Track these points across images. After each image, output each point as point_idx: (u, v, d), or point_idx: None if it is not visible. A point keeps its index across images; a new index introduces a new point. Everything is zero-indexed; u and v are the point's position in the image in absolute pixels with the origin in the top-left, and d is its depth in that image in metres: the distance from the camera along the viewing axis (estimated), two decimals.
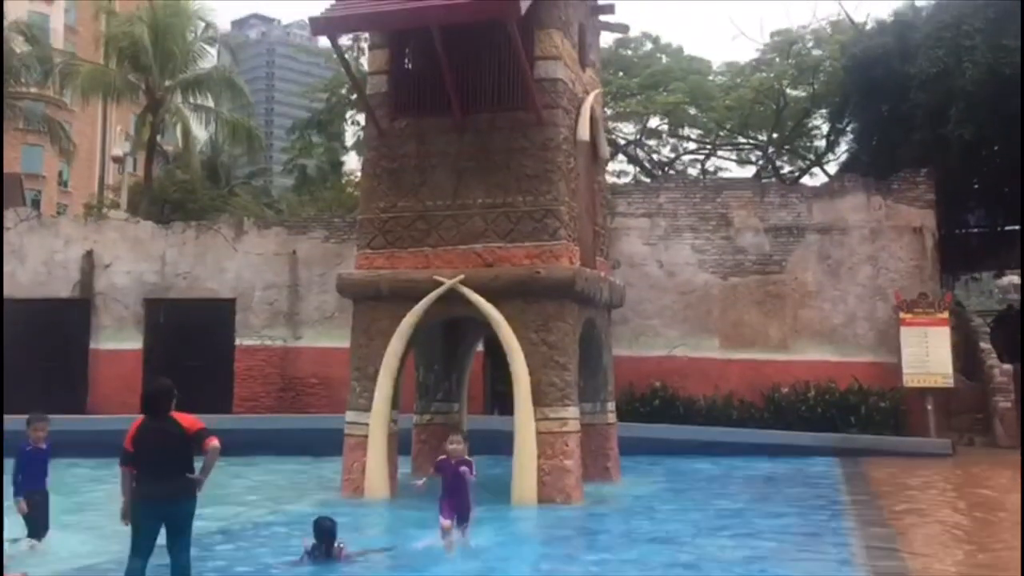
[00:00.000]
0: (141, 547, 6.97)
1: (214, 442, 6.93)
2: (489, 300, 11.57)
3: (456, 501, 8.57)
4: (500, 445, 12.35)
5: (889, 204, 18.53)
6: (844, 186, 19.13)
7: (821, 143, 28.59)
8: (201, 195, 32.60)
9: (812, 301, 18.55)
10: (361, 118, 25.31)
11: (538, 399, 11.35)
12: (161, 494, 6.93)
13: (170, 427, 6.99)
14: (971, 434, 17.33)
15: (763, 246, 18.86)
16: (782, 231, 18.83)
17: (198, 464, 7.03)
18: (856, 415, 17.18)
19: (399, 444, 12.07)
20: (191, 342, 18.68)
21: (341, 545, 8.07)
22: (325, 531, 8.05)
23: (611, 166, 28.79)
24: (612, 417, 13.67)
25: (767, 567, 7.64)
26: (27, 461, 8.89)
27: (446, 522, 8.23)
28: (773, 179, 26.78)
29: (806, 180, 27.86)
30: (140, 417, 7.19)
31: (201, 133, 36.90)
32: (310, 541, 8.03)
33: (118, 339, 19.46)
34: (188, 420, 7.07)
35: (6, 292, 19.53)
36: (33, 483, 8.85)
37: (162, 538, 7.01)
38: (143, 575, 6.92)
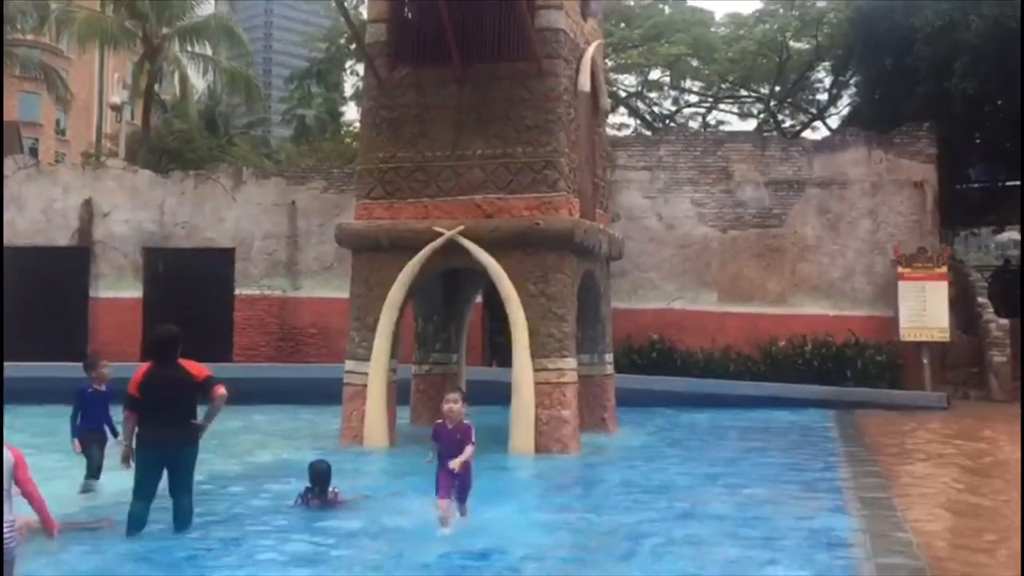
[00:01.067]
0: (144, 491, 7.08)
1: (221, 390, 7.01)
2: (488, 251, 11.58)
3: (455, 474, 7.27)
4: (498, 396, 12.46)
5: (890, 158, 18.47)
6: (846, 140, 19.05)
7: (824, 96, 28.46)
8: (199, 144, 32.40)
9: (811, 255, 18.57)
10: (360, 68, 25.12)
11: (536, 350, 11.41)
12: (165, 440, 7.02)
13: (178, 374, 7.06)
14: (966, 388, 17.46)
15: (763, 200, 18.83)
16: (782, 185, 18.79)
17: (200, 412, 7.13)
18: (852, 369, 17.30)
19: (398, 394, 12.16)
20: (190, 291, 18.72)
21: (336, 490, 8.15)
22: (319, 474, 8.13)
23: (612, 119, 28.64)
24: (610, 369, 13.76)
25: (761, 514, 7.75)
26: (88, 402, 8.93)
27: (443, 502, 7.11)
28: (775, 133, 26.63)
29: (808, 134, 27.75)
30: (146, 364, 7.25)
31: (199, 82, 36.59)
32: (305, 485, 8.11)
33: (117, 287, 19.51)
34: (196, 368, 7.14)
35: (7, 239, 19.51)
36: (92, 423, 8.90)
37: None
38: (145, 517, 7.05)
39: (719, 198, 18.97)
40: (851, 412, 15.00)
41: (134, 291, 19.45)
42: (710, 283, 18.83)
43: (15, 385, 15.16)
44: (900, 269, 17.47)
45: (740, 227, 18.84)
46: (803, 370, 17.49)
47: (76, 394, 9.00)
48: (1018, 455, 9.94)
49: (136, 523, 6.99)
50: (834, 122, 27.83)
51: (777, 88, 28.44)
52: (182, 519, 7.16)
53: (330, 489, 8.13)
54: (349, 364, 12.18)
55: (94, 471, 8.80)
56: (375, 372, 11.75)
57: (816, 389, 16.49)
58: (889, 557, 6.35)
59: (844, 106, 27.30)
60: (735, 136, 20.60)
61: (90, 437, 8.86)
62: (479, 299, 15.98)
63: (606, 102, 14.80)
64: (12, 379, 15.62)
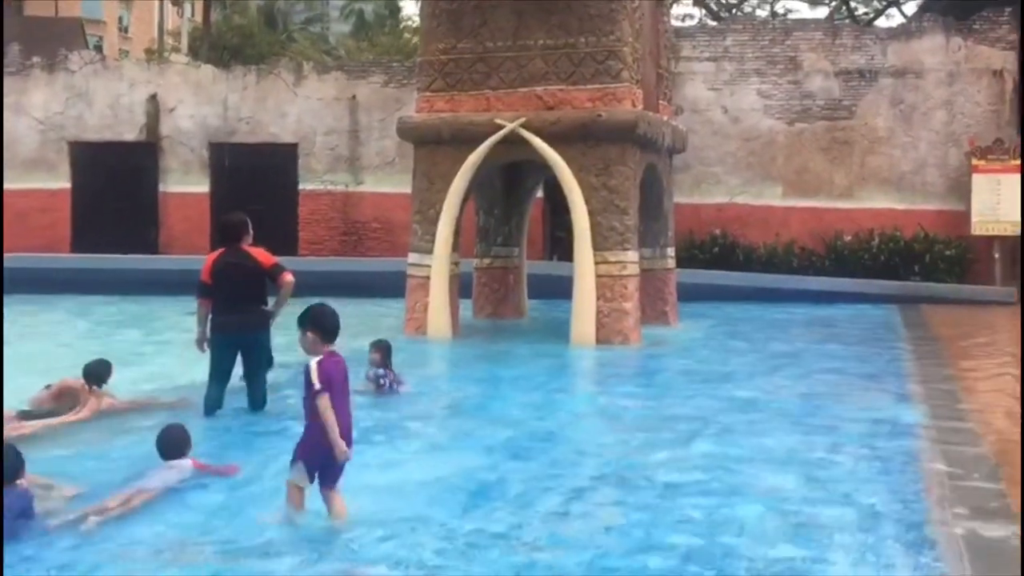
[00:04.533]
0: (218, 375, 7.36)
1: (288, 277, 7.18)
2: (550, 144, 11.49)
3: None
4: (559, 289, 12.57)
5: (968, 45, 17.72)
6: (922, 26, 18.29)
7: None
8: (259, 40, 32.36)
9: (881, 148, 18.07)
10: None
11: (598, 243, 11.40)
12: (237, 325, 7.24)
13: (245, 261, 7.23)
14: None
15: (832, 91, 18.26)
16: (853, 75, 18.18)
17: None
18: (920, 263, 16.99)
19: (460, 287, 12.30)
20: (256, 186, 18.91)
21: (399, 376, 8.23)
22: (385, 348, 8.19)
23: (676, 9, 27.82)
24: (671, 262, 13.71)
25: (824, 404, 7.79)
26: None
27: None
28: (847, 20, 25.65)
29: (881, 23, 26.66)
30: (215, 251, 7.44)
31: None
32: (372, 370, 8.15)
33: (185, 182, 19.82)
34: (263, 255, 7.30)
35: (76, 134, 19.91)
36: None
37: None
38: (220, 400, 7.34)
39: (786, 89, 18.45)
40: (917, 307, 14.81)
41: (201, 186, 19.74)
42: (775, 177, 18.48)
43: (91, 276, 15.78)
44: (974, 161, 16.93)
45: (807, 119, 18.34)
46: (869, 265, 17.23)
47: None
48: None
49: (212, 405, 7.29)
50: (910, 9, 26.67)
51: None
52: (257, 401, 7.43)
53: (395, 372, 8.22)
54: (412, 257, 12.32)
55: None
56: (437, 264, 11.87)
57: (882, 284, 16.26)
58: (953, 446, 6.36)
59: None
60: (805, 24, 19.88)
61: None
62: (540, 193, 15.94)
63: None
64: (88, 270, 16.24)
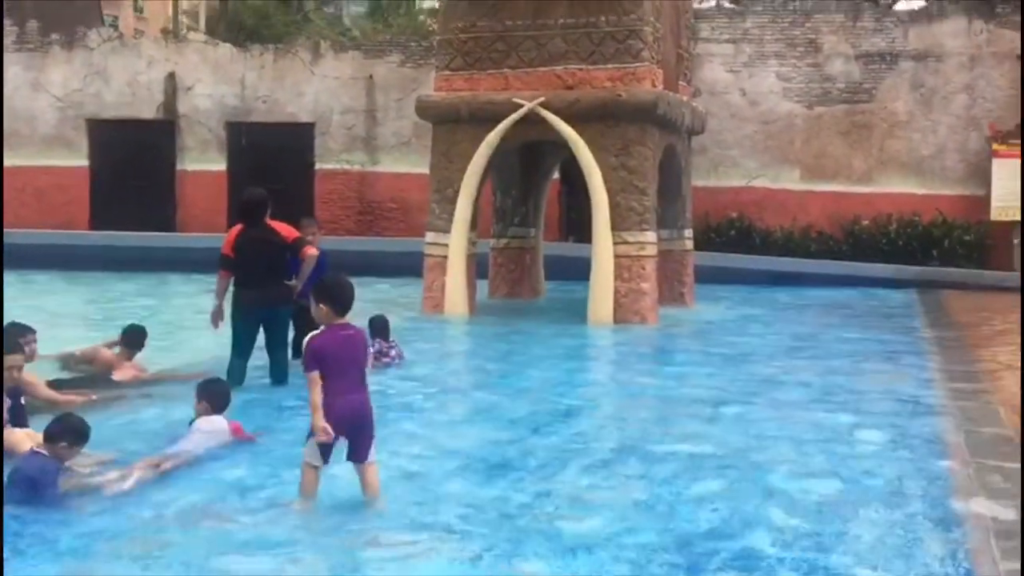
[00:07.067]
0: (241, 348, 7.39)
1: (311, 250, 7.21)
2: (569, 123, 11.46)
3: None
4: (576, 271, 12.57)
5: (991, 29, 17.55)
6: (944, 8, 18.11)
7: None
8: (274, 20, 32.24)
9: (901, 132, 17.95)
10: None
11: (616, 223, 11.38)
12: (260, 299, 7.26)
13: (268, 235, 7.25)
14: None
15: (852, 74, 18.14)
16: (874, 58, 18.05)
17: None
18: (939, 248, 16.90)
19: (477, 268, 12.31)
20: (273, 165, 18.92)
21: (394, 342, 8.24)
22: (381, 326, 8.23)
23: None
24: (689, 244, 13.68)
25: (845, 384, 7.77)
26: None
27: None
28: (867, 1, 25.40)
29: (902, 6, 26.37)
30: (237, 226, 7.45)
31: None
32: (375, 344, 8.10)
33: (203, 160, 19.85)
34: (286, 229, 7.32)
35: (94, 111, 19.95)
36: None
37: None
38: (243, 372, 7.37)
39: (806, 72, 18.33)
40: (936, 292, 14.74)
41: (219, 164, 19.77)
42: (793, 161, 18.39)
43: (112, 254, 15.84)
44: (995, 146, 16.81)
45: (827, 103, 18.23)
46: (887, 250, 17.14)
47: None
48: None
49: (235, 378, 7.30)
50: None
51: None
52: (279, 374, 7.47)
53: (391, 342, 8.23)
54: (430, 236, 12.32)
55: None
56: (455, 243, 11.87)
57: (901, 268, 16.18)
58: (976, 425, 6.34)
59: None
60: (826, 6, 19.69)
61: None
62: (556, 175, 15.91)
63: None
64: (109, 247, 16.30)
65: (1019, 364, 8.81)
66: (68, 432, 4.70)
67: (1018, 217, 16.60)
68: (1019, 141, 16.70)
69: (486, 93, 11.99)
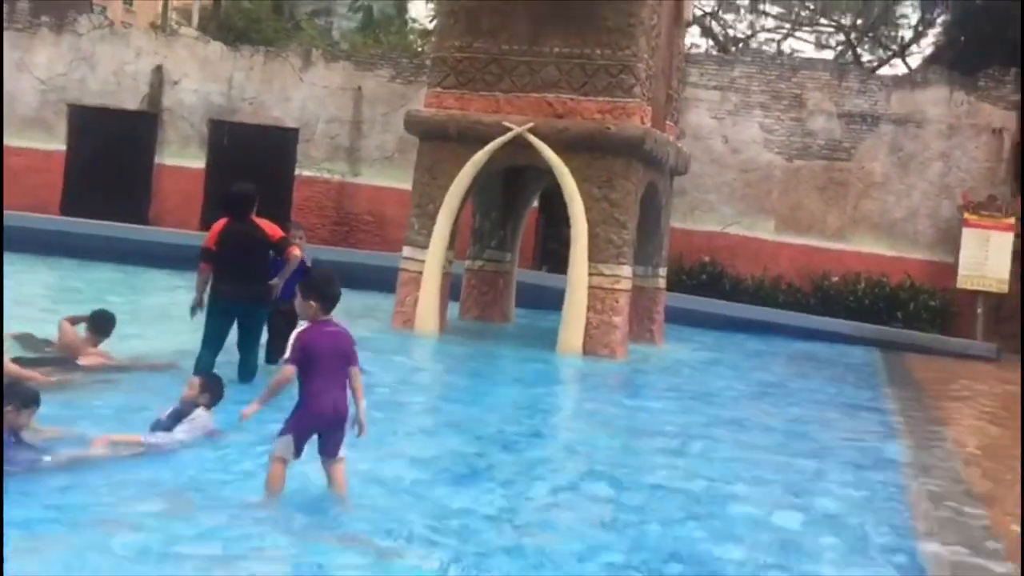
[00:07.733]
0: (212, 341, 7.29)
1: (296, 251, 7.17)
2: (556, 151, 11.51)
3: None
4: (546, 300, 12.60)
5: (971, 101, 17.95)
6: (927, 77, 18.52)
7: (907, 33, 27.51)
8: (265, 26, 32.22)
9: (876, 192, 18.25)
10: None
11: (594, 254, 11.43)
12: (238, 295, 7.18)
13: (254, 231, 7.18)
14: (1017, 341, 17.24)
15: (834, 131, 18.44)
16: (856, 118, 18.37)
17: None
18: (904, 311, 17.13)
19: (450, 287, 12.28)
20: (252, 167, 18.69)
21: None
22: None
23: (684, 38, 27.97)
24: (662, 283, 13.76)
25: (808, 431, 7.83)
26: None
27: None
28: (853, 63, 25.92)
29: (886, 70, 26.95)
30: (222, 220, 7.38)
31: None
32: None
33: (182, 156, 19.69)
34: (271, 227, 7.27)
35: (77, 97, 19.76)
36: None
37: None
38: (212, 366, 7.25)
39: (788, 126, 18.62)
40: (898, 353, 14.93)
41: (198, 161, 19.62)
42: (768, 211, 18.62)
43: (81, 242, 15.61)
44: (966, 215, 17.13)
45: (806, 157, 18.51)
46: (853, 308, 17.34)
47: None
48: None
49: (202, 369, 7.19)
50: (914, 61, 27.00)
51: (859, 20, 27.56)
52: (246, 373, 7.38)
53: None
54: (406, 251, 12.28)
55: None
56: (431, 260, 11.85)
57: (866, 327, 16.36)
58: (935, 479, 6.42)
59: (927, 45, 26.44)
60: (813, 64, 20.08)
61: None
62: (535, 205, 15.96)
63: (690, 11, 14.50)
64: (79, 235, 16.06)
65: (975, 423, 8.96)
66: (14, 396, 4.66)
67: (983, 287, 16.90)
68: (990, 212, 17.05)
69: (476, 113, 12.03)
